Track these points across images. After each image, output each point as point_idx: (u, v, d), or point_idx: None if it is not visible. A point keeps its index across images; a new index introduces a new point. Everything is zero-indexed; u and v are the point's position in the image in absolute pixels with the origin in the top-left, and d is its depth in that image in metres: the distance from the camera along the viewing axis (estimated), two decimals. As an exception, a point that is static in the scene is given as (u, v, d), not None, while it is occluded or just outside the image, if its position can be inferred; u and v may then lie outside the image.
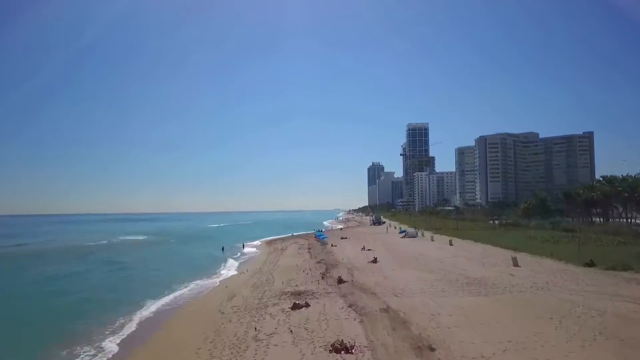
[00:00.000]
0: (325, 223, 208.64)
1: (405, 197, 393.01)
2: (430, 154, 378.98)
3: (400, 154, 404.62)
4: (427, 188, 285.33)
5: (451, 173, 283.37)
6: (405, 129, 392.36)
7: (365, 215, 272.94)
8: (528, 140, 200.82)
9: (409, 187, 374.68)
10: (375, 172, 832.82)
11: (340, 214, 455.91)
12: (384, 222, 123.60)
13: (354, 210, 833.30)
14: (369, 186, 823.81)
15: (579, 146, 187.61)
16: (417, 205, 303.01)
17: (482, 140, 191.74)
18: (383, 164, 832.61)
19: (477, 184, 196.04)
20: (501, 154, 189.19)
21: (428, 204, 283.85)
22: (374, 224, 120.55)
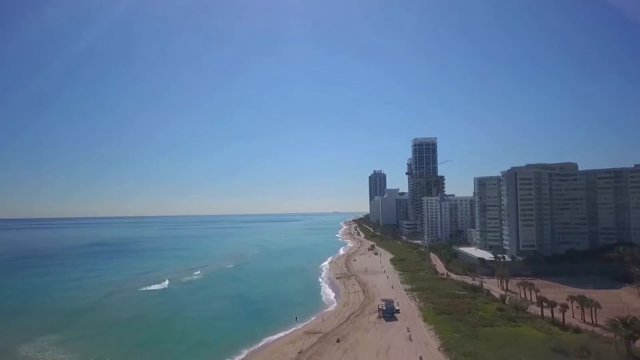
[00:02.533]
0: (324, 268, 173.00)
1: (411, 219, 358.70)
2: (439, 172, 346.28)
3: (406, 173, 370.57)
4: (439, 216, 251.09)
5: (466, 199, 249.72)
6: (411, 143, 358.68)
7: (369, 249, 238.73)
8: (565, 173, 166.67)
9: (415, 208, 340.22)
10: (377, 181, 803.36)
11: (339, 233, 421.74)
12: (398, 311, 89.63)
13: (355, 221, 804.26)
14: (370, 199, 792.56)
15: (631, 182, 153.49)
16: (426, 233, 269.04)
17: (512, 175, 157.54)
18: (385, 172, 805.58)
19: (505, 228, 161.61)
20: (535, 191, 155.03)
21: (439, 236, 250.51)
22: (384, 315, 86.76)
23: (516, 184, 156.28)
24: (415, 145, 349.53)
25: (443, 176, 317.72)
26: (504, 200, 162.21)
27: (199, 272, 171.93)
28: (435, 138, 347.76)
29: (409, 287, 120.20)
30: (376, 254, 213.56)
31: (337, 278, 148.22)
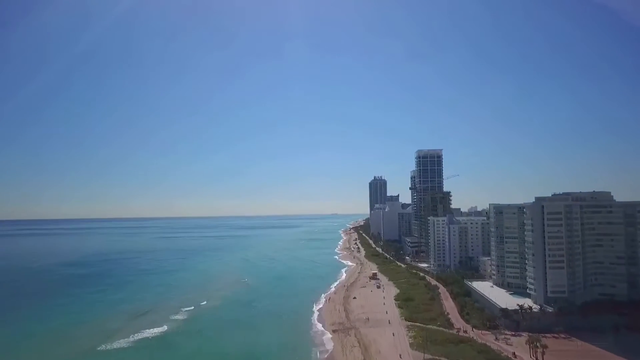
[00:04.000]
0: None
1: (415, 236, 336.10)
2: (445, 187, 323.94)
3: (410, 188, 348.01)
4: (447, 240, 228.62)
5: (476, 221, 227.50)
6: (415, 155, 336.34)
7: (371, 278, 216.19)
8: (599, 204, 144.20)
9: (420, 226, 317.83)
10: (377, 188, 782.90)
11: (338, 247, 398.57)
12: None
13: (354, 229, 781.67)
14: (370, 206, 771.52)
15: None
16: (432, 257, 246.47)
17: (538, 208, 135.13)
18: (385, 178, 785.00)
19: (530, 269, 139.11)
20: (566, 228, 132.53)
21: (447, 262, 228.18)
22: None
23: (543, 219, 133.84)
24: (419, 157, 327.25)
25: (449, 192, 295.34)
26: (529, 237, 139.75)
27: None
28: (441, 150, 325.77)
29: (421, 357, 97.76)
30: (378, 287, 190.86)
31: (333, 331, 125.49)
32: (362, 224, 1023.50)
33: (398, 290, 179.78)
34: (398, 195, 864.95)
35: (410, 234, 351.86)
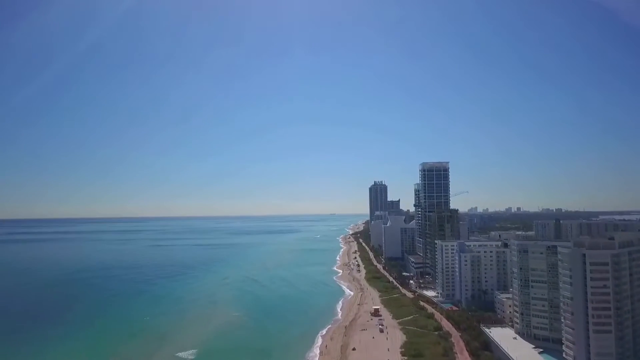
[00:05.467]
0: None
1: (419, 254, 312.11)
2: (451, 203, 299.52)
3: (415, 205, 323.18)
4: (457, 269, 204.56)
5: (491, 250, 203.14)
6: (419, 168, 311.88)
7: (373, 315, 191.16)
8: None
9: (425, 244, 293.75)
10: (378, 193, 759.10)
11: (337, 263, 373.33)
12: None
13: (354, 236, 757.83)
14: (370, 212, 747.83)
15: None
16: (440, 286, 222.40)
17: (578, 257, 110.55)
18: (385, 183, 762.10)
19: (568, 331, 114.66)
20: (613, 282, 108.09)
21: (458, 296, 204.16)
22: None
23: (585, 270, 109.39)
24: (423, 170, 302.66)
25: (457, 209, 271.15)
26: (565, 292, 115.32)
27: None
28: (447, 163, 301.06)
29: None
30: (382, 330, 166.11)
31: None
32: (361, 228, 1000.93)
33: (404, 338, 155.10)
34: (399, 201, 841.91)
35: (414, 252, 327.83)
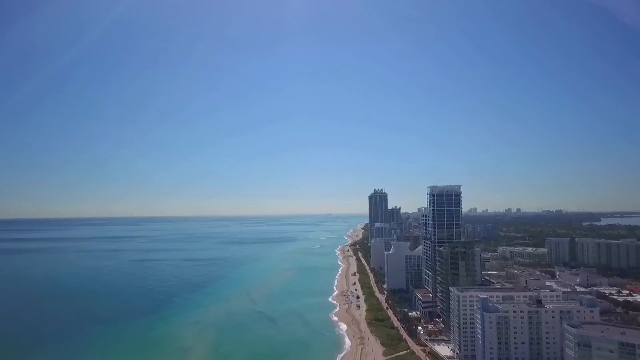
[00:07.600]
0: None
1: (427, 288, 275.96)
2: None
3: (423, 238, 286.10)
4: (479, 330, 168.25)
5: (521, 310, 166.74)
6: (427, 192, 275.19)
7: None
8: None
9: (434, 280, 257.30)
10: (377, 202, 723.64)
11: (334, 293, 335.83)
12: None
13: (352, 248, 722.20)
14: (370, 223, 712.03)
15: None
16: (457, 343, 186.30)
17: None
18: (386, 191, 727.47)
19: None
20: None
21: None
22: None
23: None
24: (432, 195, 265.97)
25: (474, 243, 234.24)
26: None
27: None
28: (459, 186, 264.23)
29: None
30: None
31: None
32: (360, 235, 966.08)
33: None
34: (399, 209, 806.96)
35: (421, 285, 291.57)
